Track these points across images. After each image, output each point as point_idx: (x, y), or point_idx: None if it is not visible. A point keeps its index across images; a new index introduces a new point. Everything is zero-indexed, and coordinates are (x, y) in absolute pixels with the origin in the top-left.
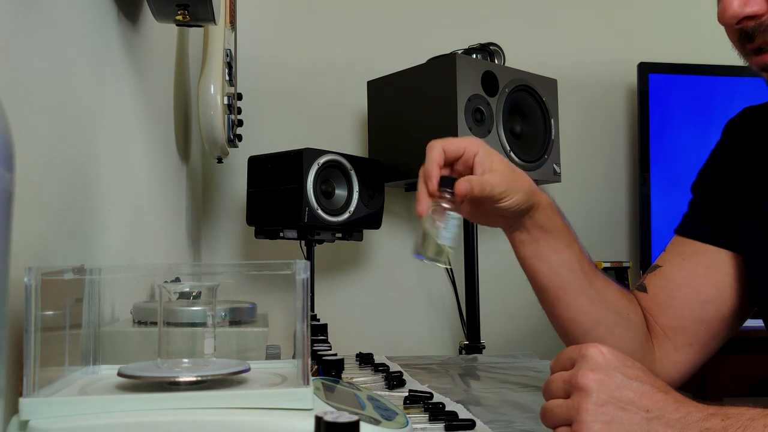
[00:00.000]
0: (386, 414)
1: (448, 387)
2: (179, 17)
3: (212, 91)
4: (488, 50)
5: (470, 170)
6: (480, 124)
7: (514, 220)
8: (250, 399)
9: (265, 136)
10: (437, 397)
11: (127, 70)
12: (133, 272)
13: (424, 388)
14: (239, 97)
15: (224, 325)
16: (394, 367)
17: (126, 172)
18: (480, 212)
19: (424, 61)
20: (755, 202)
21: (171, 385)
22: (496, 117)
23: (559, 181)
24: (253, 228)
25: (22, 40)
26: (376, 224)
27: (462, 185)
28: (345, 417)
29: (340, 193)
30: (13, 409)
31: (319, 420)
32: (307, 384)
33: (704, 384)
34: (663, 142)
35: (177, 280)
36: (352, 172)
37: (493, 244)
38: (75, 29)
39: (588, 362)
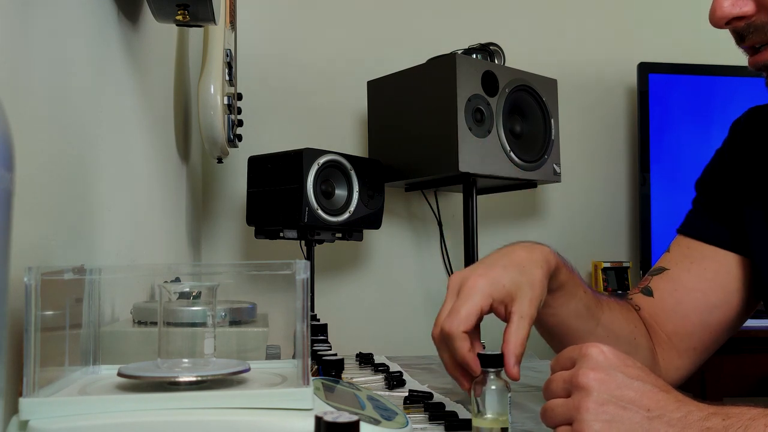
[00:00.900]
0: (386, 414)
1: (448, 387)
2: (179, 17)
3: (212, 91)
4: (488, 50)
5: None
6: (480, 124)
7: None
8: (250, 399)
9: (265, 136)
10: (437, 397)
11: (127, 70)
12: (133, 272)
13: (424, 388)
14: (239, 97)
15: (224, 325)
16: (394, 367)
17: (126, 172)
18: None
19: (424, 61)
20: (763, 200)
21: (171, 385)
22: (496, 117)
23: (559, 181)
24: (253, 228)
25: (21, 40)
26: (376, 224)
27: (515, 371)
28: (345, 417)
29: (340, 193)
30: (13, 409)
31: (319, 420)
32: (307, 384)
33: (704, 384)
34: (663, 142)
35: (177, 280)
36: (352, 172)
37: (493, 245)
38: (75, 29)
39: (589, 361)
